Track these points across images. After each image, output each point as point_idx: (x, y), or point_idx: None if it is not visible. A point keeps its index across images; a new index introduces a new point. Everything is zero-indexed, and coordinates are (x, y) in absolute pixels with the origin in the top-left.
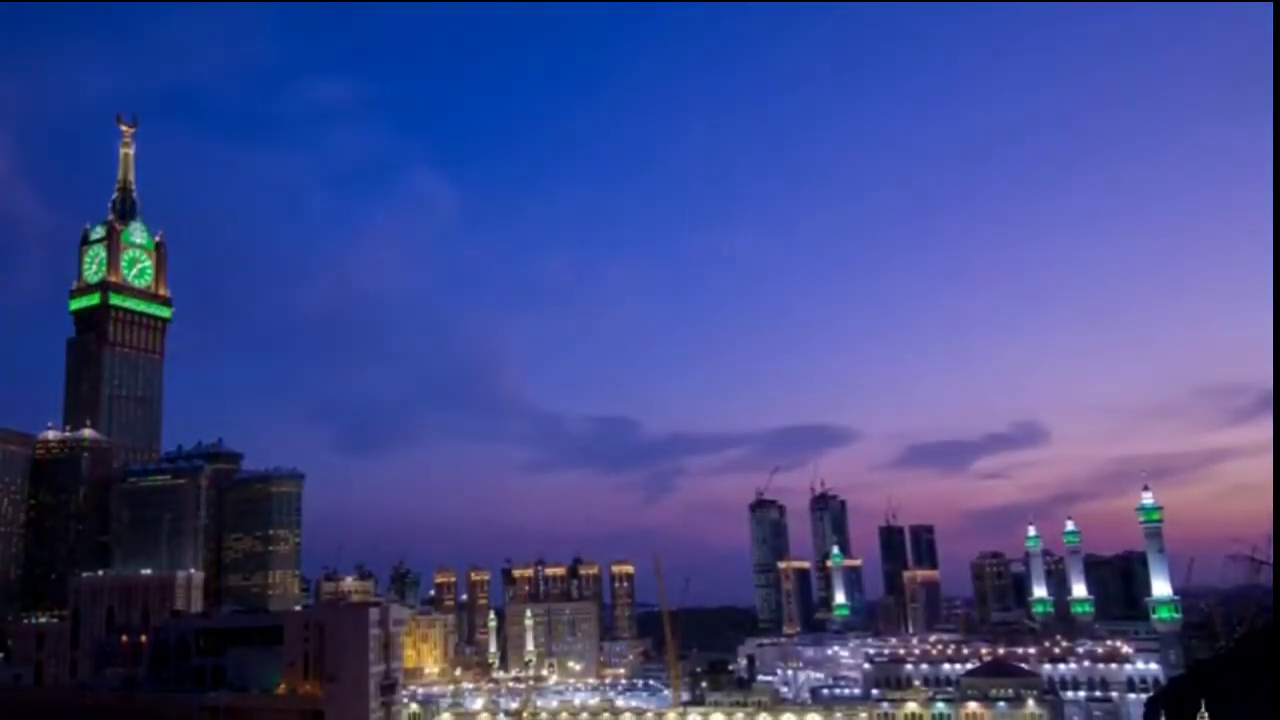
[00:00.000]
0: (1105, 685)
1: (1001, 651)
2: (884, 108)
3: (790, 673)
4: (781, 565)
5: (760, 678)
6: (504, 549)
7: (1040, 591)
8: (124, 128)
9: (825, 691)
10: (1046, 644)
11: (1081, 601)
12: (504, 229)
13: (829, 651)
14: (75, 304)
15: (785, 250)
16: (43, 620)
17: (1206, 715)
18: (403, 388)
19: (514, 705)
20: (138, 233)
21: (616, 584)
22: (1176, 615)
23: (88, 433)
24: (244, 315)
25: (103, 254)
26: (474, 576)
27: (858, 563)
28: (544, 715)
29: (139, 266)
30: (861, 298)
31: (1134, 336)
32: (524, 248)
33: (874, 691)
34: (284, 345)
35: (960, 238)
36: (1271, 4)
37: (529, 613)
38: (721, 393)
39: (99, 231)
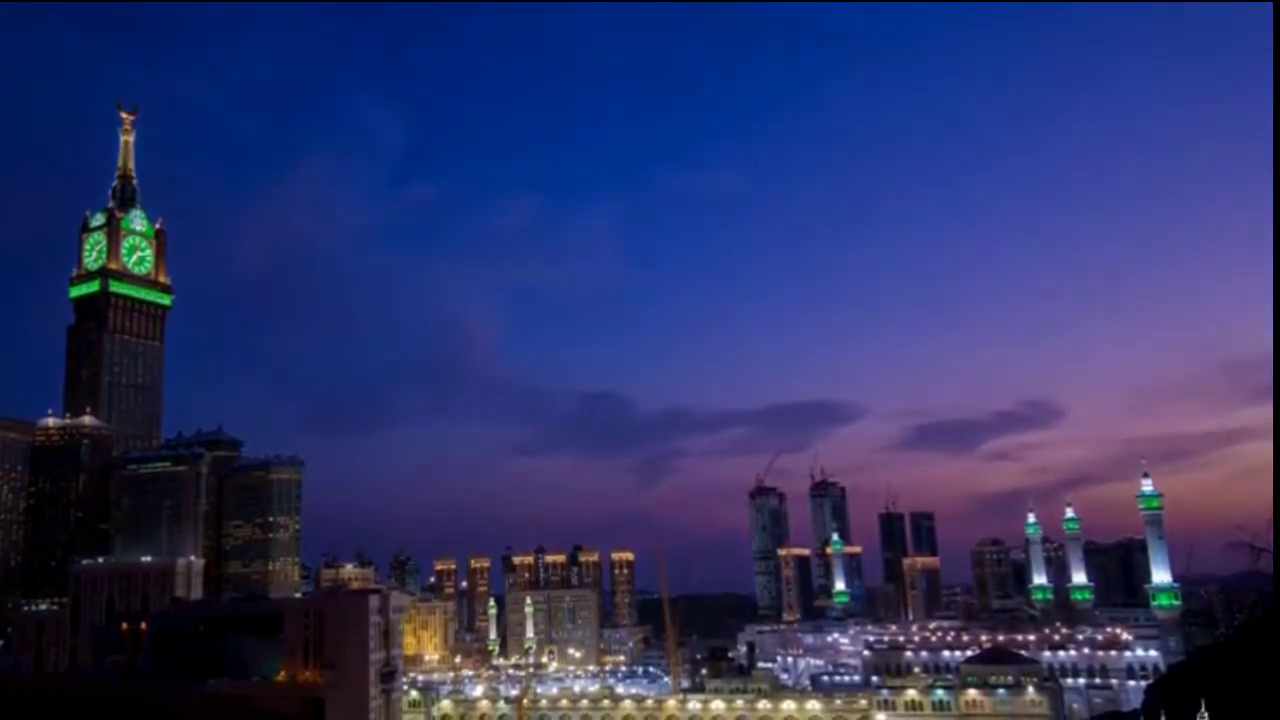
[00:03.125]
0: (1105, 672)
1: (1001, 639)
2: (894, 72)
3: (790, 660)
4: (781, 553)
5: (760, 665)
6: (491, 535)
7: (1040, 579)
8: (124, 115)
9: (825, 679)
10: (1046, 631)
11: (1081, 589)
12: (458, 169)
13: (829, 639)
14: (75, 291)
15: (783, 207)
16: (43, 608)
17: (1206, 715)
18: (368, 358)
19: (514, 692)
20: (138, 220)
21: (616, 571)
22: (1176, 602)
23: (88, 420)
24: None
25: (103, 241)
26: (474, 564)
27: (857, 550)
28: (544, 702)
29: (139, 254)
30: (867, 266)
31: (1155, 308)
32: (483, 192)
33: (874, 679)
34: (224, 310)
35: (971, 205)
36: (1271, 4)
37: (529, 600)
38: (718, 365)
39: (99, 219)
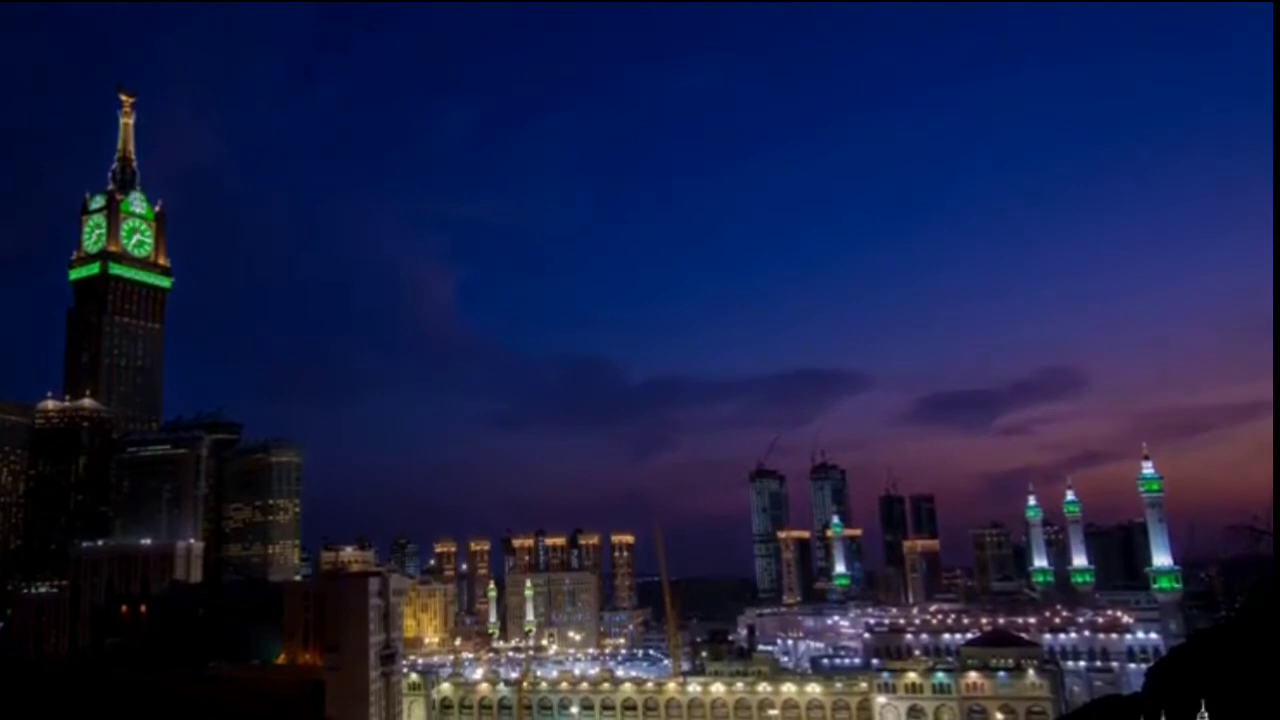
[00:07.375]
0: (1106, 655)
1: (1002, 621)
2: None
3: (790, 643)
4: (782, 535)
5: (760, 648)
6: (474, 515)
7: (1041, 561)
8: (124, 97)
9: (825, 661)
10: (1047, 614)
11: (1082, 571)
12: (376, 64)
13: (829, 621)
14: (75, 274)
15: (789, 143)
16: (42, 590)
17: (1206, 716)
18: (309, 315)
19: (514, 675)
20: (137, 202)
21: (616, 554)
22: (1177, 585)
23: (87, 403)
24: None
25: (103, 224)
26: (474, 546)
27: (858, 533)
28: (544, 685)
29: (138, 237)
30: (877, 224)
31: (1188, 260)
32: (411, 94)
33: (874, 661)
34: None
35: (987, 157)
36: (1272, 4)
37: (529, 583)
38: (713, 323)
39: (99, 201)
